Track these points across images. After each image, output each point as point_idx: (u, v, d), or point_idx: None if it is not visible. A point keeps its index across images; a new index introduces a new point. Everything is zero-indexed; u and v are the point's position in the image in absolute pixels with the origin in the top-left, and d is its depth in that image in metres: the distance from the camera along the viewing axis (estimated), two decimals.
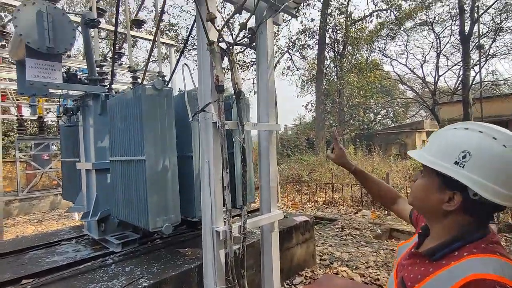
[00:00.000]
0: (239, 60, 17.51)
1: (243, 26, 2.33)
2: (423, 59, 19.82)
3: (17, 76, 3.25)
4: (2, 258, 3.36)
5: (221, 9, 15.24)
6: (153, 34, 4.45)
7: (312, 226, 4.63)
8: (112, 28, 6.27)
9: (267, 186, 2.88)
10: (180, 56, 3.27)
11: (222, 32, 2.27)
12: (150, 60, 4.81)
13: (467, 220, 0.82)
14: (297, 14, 3.47)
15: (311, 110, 18.08)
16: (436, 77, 18.50)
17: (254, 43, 2.59)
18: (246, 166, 2.44)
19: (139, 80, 3.84)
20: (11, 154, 14.99)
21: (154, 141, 2.65)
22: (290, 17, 3.17)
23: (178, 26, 17.46)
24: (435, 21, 17.67)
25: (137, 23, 5.85)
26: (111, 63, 4.34)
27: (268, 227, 2.88)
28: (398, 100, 25.88)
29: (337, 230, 6.32)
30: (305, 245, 4.37)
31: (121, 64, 7.07)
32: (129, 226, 3.58)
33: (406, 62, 20.01)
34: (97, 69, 3.64)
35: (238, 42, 2.37)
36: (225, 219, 2.34)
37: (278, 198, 10.13)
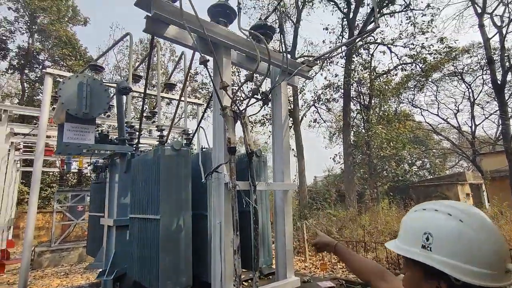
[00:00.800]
0: (257, 119, 18.14)
1: (255, 92, 2.47)
2: (456, 108, 19.28)
3: (57, 138, 3.60)
4: None
5: (237, 72, 16.36)
6: (183, 95, 4.85)
7: None
8: (150, 92, 6.94)
9: (282, 248, 2.73)
10: (201, 118, 3.48)
11: (235, 99, 2.41)
12: (185, 117, 5.17)
13: None
14: (312, 76, 3.63)
15: (339, 162, 17.68)
16: (473, 127, 17.67)
17: (267, 105, 2.69)
18: (258, 228, 2.36)
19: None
20: (52, 204, 15.93)
21: (169, 200, 2.70)
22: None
23: (210, 85, 18.86)
24: (464, 71, 17.52)
25: (169, 86, 6.44)
26: (142, 123, 4.73)
27: None
28: (433, 150, 24.68)
29: None
30: None
31: (154, 122, 7.65)
32: (145, 287, 3.48)
33: (438, 111, 19.42)
34: (128, 129, 3.96)
35: (250, 105, 2.49)
36: (234, 285, 2.20)
37: (306, 257, 9.45)
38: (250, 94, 2.48)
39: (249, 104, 2.47)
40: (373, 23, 2.44)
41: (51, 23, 20.79)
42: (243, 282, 3.77)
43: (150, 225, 2.79)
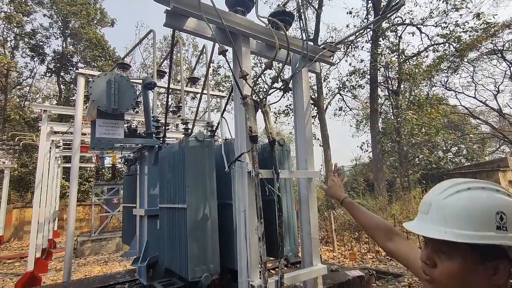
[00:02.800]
0: (281, 109, 17.95)
1: (275, 80, 2.44)
2: (496, 89, 17.87)
3: (90, 134, 3.82)
4: None
5: (259, 63, 16.16)
6: (206, 89, 4.93)
7: (368, 282, 4.12)
8: (174, 86, 7.11)
9: (308, 236, 2.73)
10: (224, 109, 3.52)
11: (255, 87, 2.41)
12: (208, 110, 5.27)
13: None
14: (335, 62, 3.52)
15: (367, 151, 17.15)
16: None
17: (288, 92, 2.66)
18: (282, 216, 2.37)
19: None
20: (90, 198, 17.02)
21: (195, 190, 2.78)
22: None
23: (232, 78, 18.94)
24: (504, 48, 16.11)
25: (193, 80, 6.56)
26: (168, 117, 4.88)
27: (311, 282, 2.66)
28: (471, 135, 23.17)
29: None
30: None
31: (179, 116, 7.85)
32: (175, 274, 3.64)
33: (475, 94, 18.10)
34: (154, 123, 4.10)
35: (271, 94, 2.48)
36: (260, 271, 2.24)
37: (335, 247, 9.37)
38: (271, 82, 2.47)
39: (269, 92, 2.45)
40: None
41: (82, 27, 21.86)
42: (270, 270, 3.83)
43: (178, 214, 2.90)
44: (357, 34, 3.54)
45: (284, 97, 2.95)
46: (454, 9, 14.29)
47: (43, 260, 8.77)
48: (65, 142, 11.13)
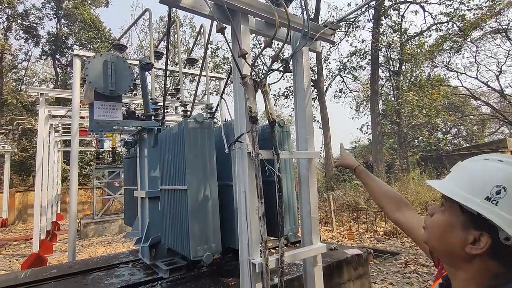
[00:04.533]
0: (281, 92, 17.76)
1: (274, 58, 2.39)
2: (499, 70, 17.62)
3: (89, 117, 3.78)
4: (72, 277, 3.77)
5: (259, 44, 15.81)
6: (204, 70, 4.84)
7: (366, 260, 4.22)
8: (172, 68, 6.99)
9: (308, 216, 2.76)
10: (223, 91, 3.47)
11: (254, 66, 2.36)
12: (207, 92, 5.21)
13: (497, 268, 0.67)
14: (335, 40, 3.43)
15: (366, 133, 17.14)
16: None
17: (288, 72, 2.61)
18: (282, 196, 2.39)
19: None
20: (92, 181, 17.16)
21: (195, 171, 2.78)
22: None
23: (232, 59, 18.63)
24: (509, 27, 15.74)
25: (190, 61, 6.43)
26: (167, 100, 4.81)
27: (311, 260, 2.72)
28: (471, 117, 23.09)
29: (400, 266, 5.64)
30: (358, 282, 3.97)
31: (178, 98, 7.76)
32: (178, 253, 3.72)
33: (477, 74, 17.85)
34: (153, 105, 4.06)
35: (271, 73, 2.43)
36: (261, 250, 2.28)
37: (333, 227, 9.55)
38: (270, 61, 2.41)
39: (269, 72, 2.41)
40: None
41: (75, 7, 21.22)
42: (270, 249, 3.91)
43: (179, 195, 2.92)
44: (359, 11, 3.44)
45: (283, 79, 2.90)
46: None
47: (48, 242, 8.96)
48: (64, 126, 11.09)
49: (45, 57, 23.19)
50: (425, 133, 17.25)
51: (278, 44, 3.26)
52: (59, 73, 23.29)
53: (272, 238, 3.34)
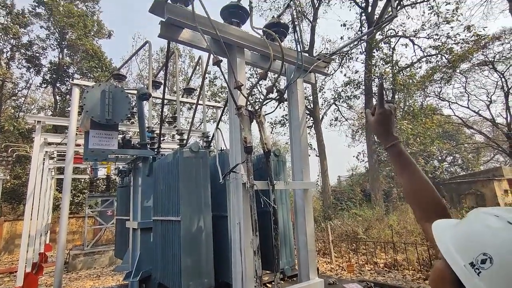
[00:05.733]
0: (277, 120, 18.01)
1: (269, 90, 2.44)
2: (489, 99, 18.13)
3: (84, 145, 3.77)
4: None
5: (255, 74, 16.29)
6: (202, 99, 4.93)
7: None
8: (169, 97, 7.11)
9: (304, 248, 2.67)
10: (219, 120, 3.50)
11: (250, 95, 2.40)
12: (203, 120, 5.25)
13: None
14: (330, 73, 3.54)
15: (363, 160, 17.19)
16: (509, 118, 16.51)
17: (283, 102, 2.65)
18: (278, 228, 2.32)
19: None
20: (84, 210, 16.72)
21: (189, 202, 2.72)
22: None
23: None
24: (495, 59, 16.46)
25: (188, 91, 6.56)
26: (163, 128, 4.84)
27: None
28: (465, 145, 23.38)
29: None
30: None
31: (175, 126, 7.82)
32: None
33: (468, 104, 18.33)
34: (149, 134, 4.06)
35: (266, 103, 2.47)
36: (255, 286, 2.17)
37: (332, 259, 9.23)
38: (266, 92, 2.46)
39: (264, 103, 2.45)
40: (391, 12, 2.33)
41: (78, 38, 21.96)
42: (267, 284, 3.74)
43: (172, 226, 2.84)
44: (351, 44, 3.58)
45: (280, 107, 2.94)
46: (445, 22, 14.66)
47: (33, 275, 8.50)
48: (59, 153, 10.99)
49: (45, 85, 23.59)
50: (421, 161, 17.33)
51: (274, 75, 3.35)
52: (58, 101, 23.56)
53: (267, 271, 3.21)
